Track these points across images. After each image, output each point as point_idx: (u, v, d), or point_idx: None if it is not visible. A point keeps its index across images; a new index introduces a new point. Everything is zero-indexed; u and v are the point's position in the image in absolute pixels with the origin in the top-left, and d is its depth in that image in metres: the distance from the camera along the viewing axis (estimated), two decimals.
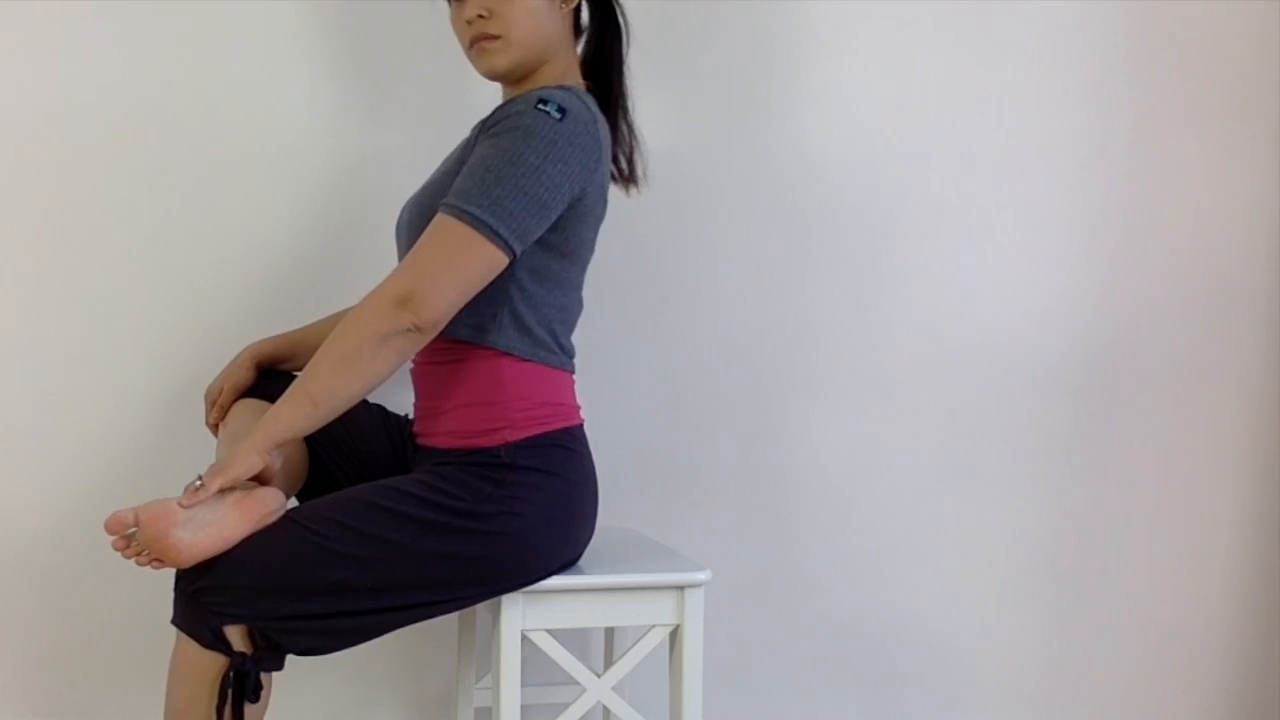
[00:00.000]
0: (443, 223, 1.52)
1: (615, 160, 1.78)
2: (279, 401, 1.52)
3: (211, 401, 1.82)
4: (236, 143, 2.09)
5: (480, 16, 1.63)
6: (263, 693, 1.50)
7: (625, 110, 1.79)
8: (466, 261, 1.51)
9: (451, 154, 1.74)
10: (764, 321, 2.28)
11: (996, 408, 2.36)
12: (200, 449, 1.86)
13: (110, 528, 1.45)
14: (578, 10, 1.74)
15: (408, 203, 1.73)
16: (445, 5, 1.72)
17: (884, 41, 2.28)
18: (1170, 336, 2.40)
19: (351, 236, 2.10)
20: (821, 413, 2.31)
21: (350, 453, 1.77)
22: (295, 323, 1.94)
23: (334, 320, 1.87)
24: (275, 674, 1.54)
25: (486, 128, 1.59)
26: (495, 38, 1.64)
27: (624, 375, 2.23)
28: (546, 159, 1.53)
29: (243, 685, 1.47)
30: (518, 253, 1.53)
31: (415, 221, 1.65)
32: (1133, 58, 2.35)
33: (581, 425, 1.72)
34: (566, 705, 1.71)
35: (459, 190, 1.53)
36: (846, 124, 2.28)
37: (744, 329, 2.28)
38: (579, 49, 1.77)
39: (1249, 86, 2.39)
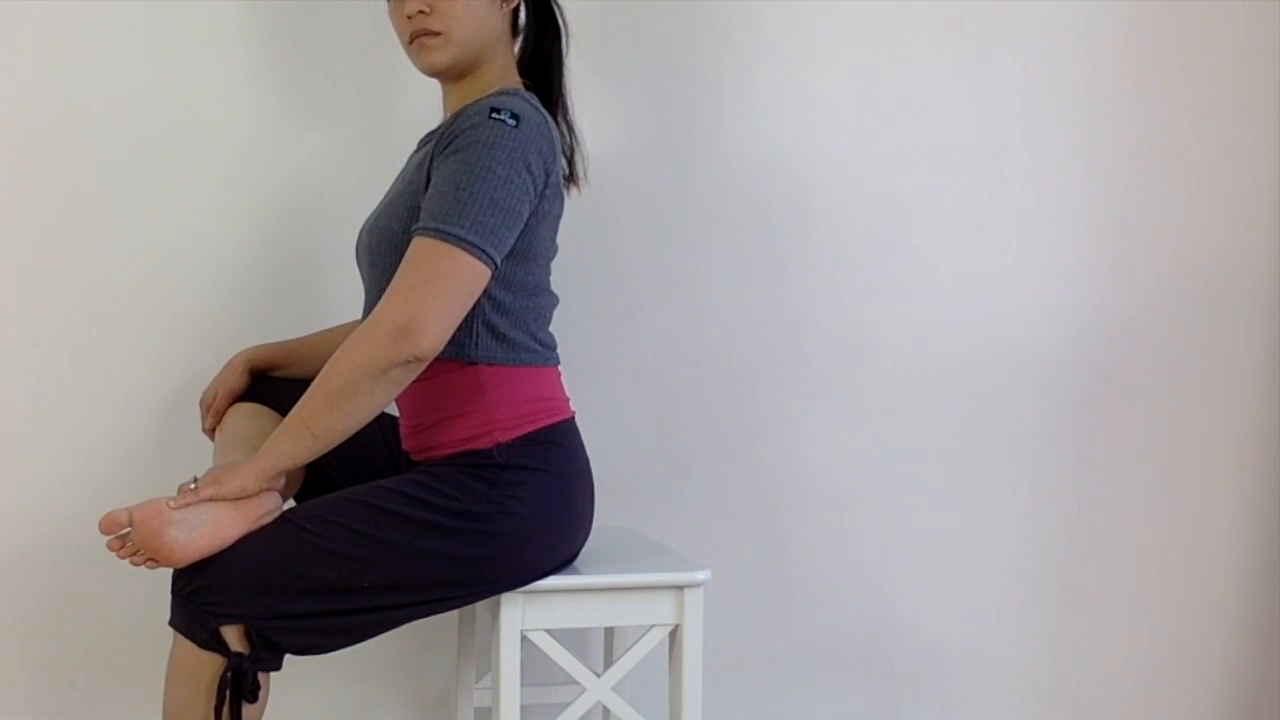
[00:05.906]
0: (427, 246, 1.50)
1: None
2: (278, 432, 1.52)
3: (206, 407, 1.83)
4: (234, 144, 2.10)
5: (421, 12, 1.63)
6: (261, 693, 1.50)
7: (565, 110, 1.79)
8: (460, 285, 1.50)
9: (403, 172, 1.73)
10: (762, 320, 2.28)
11: (995, 407, 2.35)
12: (198, 451, 1.86)
13: (105, 528, 1.45)
14: (516, 10, 1.75)
15: (365, 225, 1.72)
16: (384, 1, 1.71)
17: (883, 39, 2.28)
18: (1169, 337, 2.40)
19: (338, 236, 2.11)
20: (821, 412, 2.31)
21: (348, 454, 1.75)
22: (295, 323, 1.94)
23: (327, 335, 1.88)
24: (275, 674, 1.54)
25: (443, 144, 1.57)
26: (436, 34, 1.64)
27: (622, 375, 2.23)
28: (512, 168, 1.52)
29: (240, 685, 1.47)
30: (498, 265, 1.53)
31: (376, 244, 1.65)
32: (1133, 58, 2.35)
33: (572, 418, 1.71)
34: (566, 705, 1.71)
35: (435, 212, 1.51)
36: (847, 122, 2.28)
37: (742, 328, 2.27)
38: (516, 49, 1.77)
39: (1249, 86, 2.38)
